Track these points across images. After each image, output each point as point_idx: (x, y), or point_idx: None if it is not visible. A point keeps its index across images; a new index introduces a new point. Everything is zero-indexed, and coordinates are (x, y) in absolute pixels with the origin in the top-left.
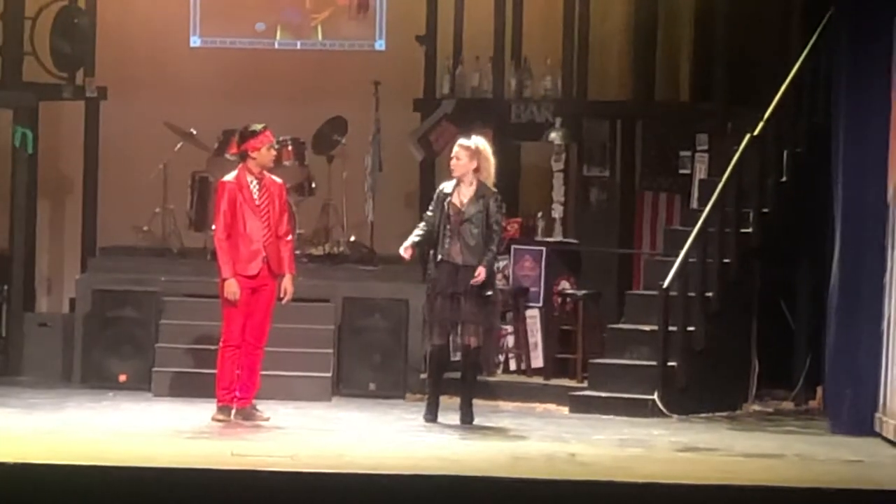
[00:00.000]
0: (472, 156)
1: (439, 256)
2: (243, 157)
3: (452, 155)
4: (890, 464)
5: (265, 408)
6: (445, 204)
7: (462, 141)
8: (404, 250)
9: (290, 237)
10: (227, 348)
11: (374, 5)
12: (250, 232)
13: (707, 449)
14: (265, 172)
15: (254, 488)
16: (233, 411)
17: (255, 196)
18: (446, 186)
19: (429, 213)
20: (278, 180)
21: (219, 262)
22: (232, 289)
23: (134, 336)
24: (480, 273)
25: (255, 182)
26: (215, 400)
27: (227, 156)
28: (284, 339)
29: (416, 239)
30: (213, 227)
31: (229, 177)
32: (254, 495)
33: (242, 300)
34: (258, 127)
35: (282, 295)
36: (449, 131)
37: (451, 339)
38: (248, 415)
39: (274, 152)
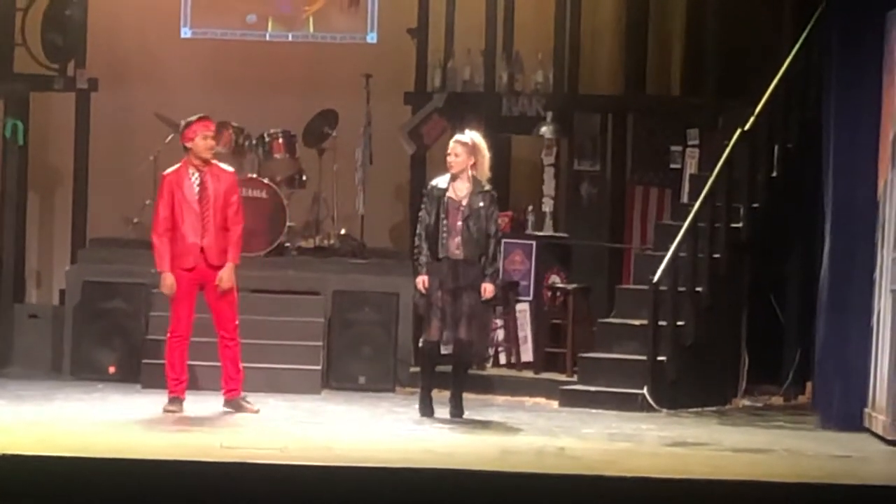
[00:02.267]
0: (469, 151)
1: (439, 254)
2: (185, 149)
3: (449, 151)
4: (878, 459)
5: (254, 399)
6: (443, 200)
7: (458, 137)
8: (421, 284)
9: (238, 227)
10: (171, 339)
11: None
12: (186, 226)
13: (696, 443)
14: (215, 162)
15: (243, 480)
16: (184, 403)
17: (195, 189)
18: (440, 182)
19: (423, 214)
20: (229, 169)
21: (154, 256)
22: (167, 282)
23: (123, 328)
24: (488, 290)
25: (195, 174)
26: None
27: (218, 148)
28: (274, 331)
29: (425, 261)
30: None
31: (171, 169)
32: (243, 487)
33: (182, 292)
34: (194, 117)
35: (217, 282)
36: (440, 125)
37: (443, 333)
38: (237, 406)
39: (210, 141)
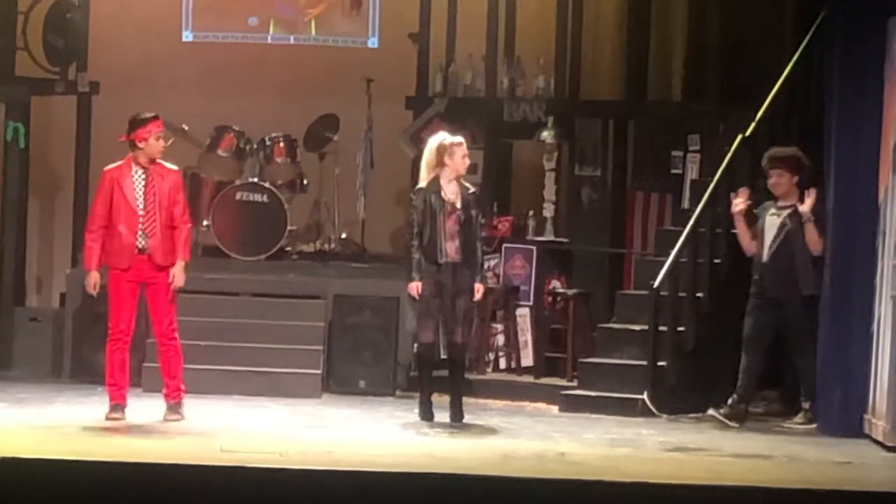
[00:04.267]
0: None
1: (440, 258)
2: (132, 146)
3: (463, 154)
4: (878, 465)
5: (255, 403)
6: (437, 204)
7: (459, 139)
8: (415, 290)
9: (186, 225)
10: (110, 342)
11: (368, 2)
12: (123, 225)
13: (696, 449)
14: (160, 161)
15: (243, 485)
16: (125, 409)
17: (137, 188)
18: (431, 185)
19: (417, 218)
20: (173, 168)
21: (83, 253)
22: (91, 281)
23: None
24: (480, 290)
25: (140, 172)
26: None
27: (220, 152)
28: (275, 335)
29: (422, 266)
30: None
31: (113, 166)
32: (242, 492)
33: (121, 294)
34: (148, 115)
35: (170, 280)
36: (440, 129)
37: (438, 336)
38: (173, 411)
39: (163, 142)
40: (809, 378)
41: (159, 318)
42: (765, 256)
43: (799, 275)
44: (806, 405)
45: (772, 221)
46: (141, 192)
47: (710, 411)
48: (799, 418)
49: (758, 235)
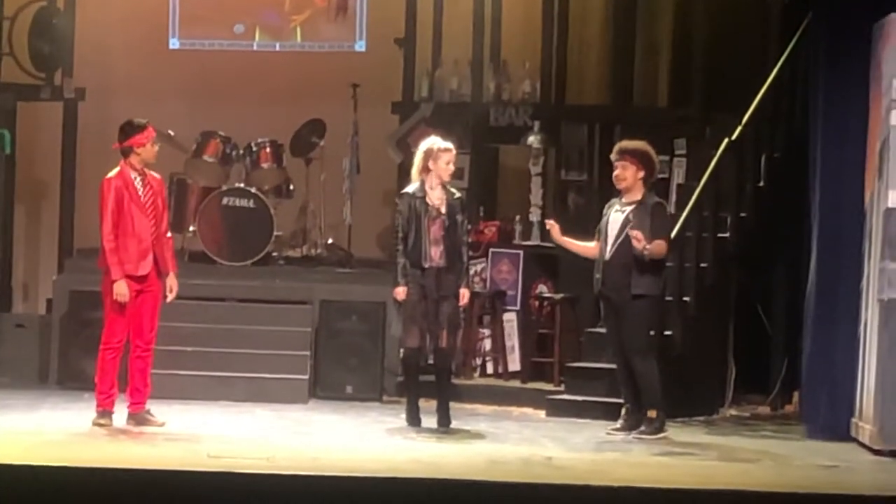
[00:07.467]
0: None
1: (424, 263)
2: (126, 152)
3: (447, 160)
4: (865, 469)
5: (241, 409)
6: (421, 209)
7: (447, 145)
8: (401, 293)
9: (169, 234)
10: (107, 350)
11: (354, 7)
12: (139, 230)
13: (683, 453)
14: (146, 169)
15: (230, 490)
16: (113, 416)
17: (141, 193)
18: (417, 190)
19: (402, 223)
20: (157, 176)
21: (108, 264)
22: (122, 290)
23: None
24: (466, 296)
25: (138, 178)
26: (95, 404)
27: (206, 157)
28: (261, 341)
29: (407, 271)
30: (101, 226)
31: (112, 174)
32: (229, 497)
33: (129, 302)
34: (142, 122)
35: (168, 293)
36: (427, 134)
37: (424, 341)
38: (141, 420)
39: (156, 148)
40: (652, 383)
41: (148, 326)
42: (607, 254)
43: (632, 273)
44: (652, 413)
45: (615, 218)
46: (147, 198)
47: (607, 432)
48: (646, 427)
49: (601, 232)
